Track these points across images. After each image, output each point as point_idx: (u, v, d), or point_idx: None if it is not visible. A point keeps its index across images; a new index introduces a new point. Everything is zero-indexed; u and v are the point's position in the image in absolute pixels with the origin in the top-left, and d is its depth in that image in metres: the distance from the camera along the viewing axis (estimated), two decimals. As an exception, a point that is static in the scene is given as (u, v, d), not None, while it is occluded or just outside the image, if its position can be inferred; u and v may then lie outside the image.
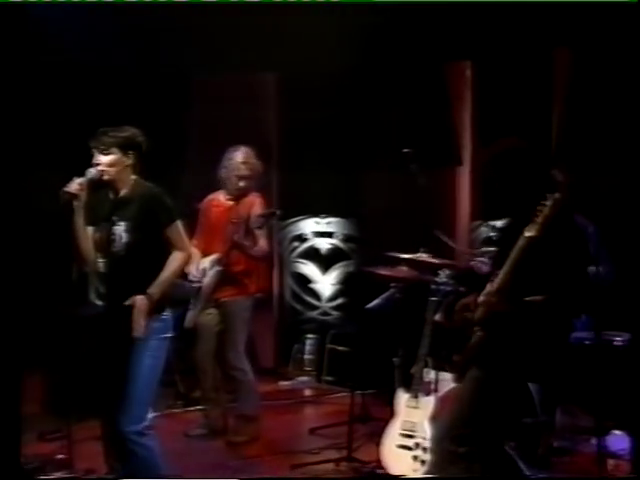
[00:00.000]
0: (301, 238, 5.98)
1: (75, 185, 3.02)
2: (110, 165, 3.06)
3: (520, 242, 2.72)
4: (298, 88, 5.67)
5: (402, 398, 3.63)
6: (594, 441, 3.51)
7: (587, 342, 3.92)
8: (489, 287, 2.79)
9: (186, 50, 5.71)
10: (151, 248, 3.08)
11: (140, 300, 3.02)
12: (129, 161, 3.09)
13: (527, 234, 2.70)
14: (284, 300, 5.97)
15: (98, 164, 3.07)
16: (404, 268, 3.91)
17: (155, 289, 3.04)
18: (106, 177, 3.08)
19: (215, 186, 4.43)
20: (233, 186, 4.25)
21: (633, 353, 3.70)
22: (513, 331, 2.75)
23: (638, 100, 3.24)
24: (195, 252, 4.24)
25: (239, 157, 4.22)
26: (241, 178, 4.22)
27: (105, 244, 3.12)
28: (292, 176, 5.72)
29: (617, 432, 3.96)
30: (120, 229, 3.09)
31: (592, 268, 3.47)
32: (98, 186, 3.09)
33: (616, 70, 4.27)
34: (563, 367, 3.48)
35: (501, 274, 2.75)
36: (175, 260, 3.08)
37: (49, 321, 4.92)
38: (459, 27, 4.91)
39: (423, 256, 3.78)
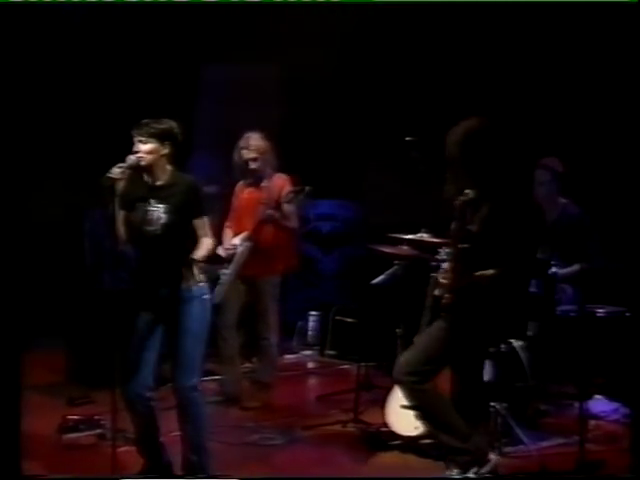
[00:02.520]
0: (304, 220, 6.32)
1: (117, 170, 3.32)
2: (148, 153, 3.37)
3: (458, 234, 3.06)
4: (301, 76, 5.92)
5: (405, 364, 3.99)
6: (578, 405, 3.82)
7: (572, 314, 4.30)
8: (446, 266, 3.14)
9: (191, 42, 6.00)
10: (184, 229, 3.40)
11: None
12: (165, 150, 3.40)
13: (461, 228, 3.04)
14: (288, 279, 6.30)
15: (137, 152, 3.38)
16: (405, 247, 4.25)
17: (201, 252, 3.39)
18: (143, 163, 3.38)
19: (219, 173, 4.76)
20: (247, 171, 4.57)
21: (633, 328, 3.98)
22: (476, 299, 3.08)
23: (638, 99, 3.32)
24: (228, 232, 4.60)
25: (243, 142, 4.55)
26: (248, 161, 4.53)
27: (140, 225, 3.43)
28: (295, 160, 6.02)
29: (598, 396, 4.35)
30: (159, 211, 3.40)
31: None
32: (135, 173, 3.40)
33: (616, 70, 4.41)
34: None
35: (450, 261, 3.10)
36: (207, 243, 3.43)
37: (74, 298, 5.26)
38: (458, 22, 5.18)
39: (424, 236, 4.11)
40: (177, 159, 3.47)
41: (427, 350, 3.29)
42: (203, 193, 3.46)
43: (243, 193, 4.66)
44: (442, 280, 3.20)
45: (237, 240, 4.54)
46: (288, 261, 4.70)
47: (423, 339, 3.39)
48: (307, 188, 4.40)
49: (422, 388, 3.28)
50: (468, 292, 3.11)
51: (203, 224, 3.43)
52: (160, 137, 3.38)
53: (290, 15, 5.07)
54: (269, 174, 4.57)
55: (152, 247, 3.44)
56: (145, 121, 3.40)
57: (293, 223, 4.58)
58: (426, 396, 3.29)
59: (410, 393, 3.34)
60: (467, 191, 3.10)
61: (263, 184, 4.57)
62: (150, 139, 3.36)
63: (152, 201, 3.41)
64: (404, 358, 3.39)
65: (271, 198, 4.46)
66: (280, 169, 4.67)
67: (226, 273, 4.48)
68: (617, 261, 4.38)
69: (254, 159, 4.53)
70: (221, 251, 4.49)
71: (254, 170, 4.55)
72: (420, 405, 3.33)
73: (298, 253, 4.96)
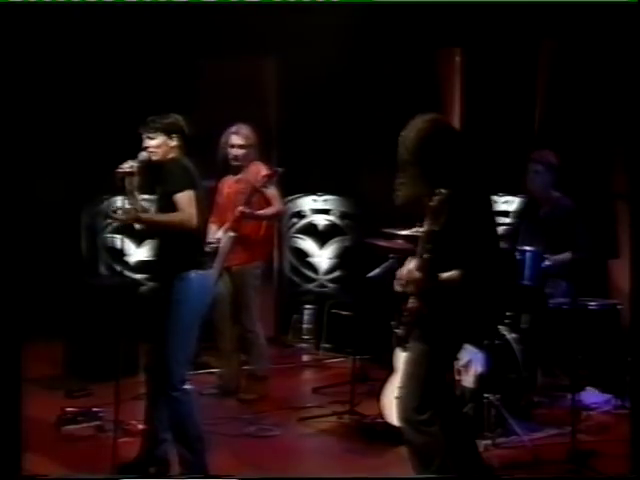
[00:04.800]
0: (299, 215, 6.32)
1: (127, 165, 3.40)
2: (156, 147, 3.44)
3: (423, 235, 2.95)
4: (297, 70, 5.95)
5: (400, 356, 4.02)
6: (570, 396, 3.87)
7: (565, 307, 4.36)
8: (411, 264, 3.02)
9: (187, 35, 6.02)
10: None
11: (126, 210, 3.35)
12: (173, 143, 3.45)
13: (427, 228, 2.91)
14: (283, 273, 6.35)
15: (147, 147, 3.45)
16: (400, 241, 4.30)
17: (145, 215, 3.36)
18: (154, 158, 3.45)
19: (214, 166, 4.79)
20: (231, 159, 4.61)
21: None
22: (444, 301, 2.94)
23: (638, 100, 3.32)
24: (212, 228, 4.64)
25: (232, 129, 4.62)
26: (234, 147, 4.58)
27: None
28: (291, 155, 6.06)
29: (590, 388, 4.42)
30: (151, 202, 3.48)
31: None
32: (150, 167, 3.45)
33: (616, 70, 4.42)
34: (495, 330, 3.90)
35: (417, 258, 2.98)
36: (176, 215, 3.33)
37: (72, 291, 5.29)
38: (454, 16, 5.20)
39: (419, 230, 4.15)
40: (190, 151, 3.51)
41: (419, 380, 3.05)
42: (179, 169, 3.37)
43: (224, 187, 4.70)
44: (407, 283, 3.04)
45: (220, 233, 4.58)
46: (268, 249, 4.73)
47: (408, 371, 3.12)
48: (279, 170, 4.46)
49: (429, 430, 3.02)
50: (435, 297, 2.98)
51: (180, 201, 3.30)
52: (167, 131, 3.44)
53: (285, 12, 5.10)
54: (247, 165, 4.62)
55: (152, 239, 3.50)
56: (150, 118, 3.47)
57: (276, 207, 4.62)
58: (430, 440, 3.02)
59: (415, 433, 3.05)
60: (442, 190, 2.92)
61: (240, 176, 4.62)
62: (157, 134, 3.44)
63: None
64: (401, 398, 3.13)
65: (249, 187, 4.50)
66: (265, 162, 4.70)
67: (212, 267, 4.51)
68: (607, 253, 4.45)
69: (241, 146, 4.59)
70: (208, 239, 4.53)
71: (236, 157, 4.59)
72: (420, 447, 3.05)
73: (272, 243, 4.98)
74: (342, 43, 5.63)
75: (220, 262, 4.53)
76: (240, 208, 4.47)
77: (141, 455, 3.55)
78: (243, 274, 4.63)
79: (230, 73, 6.19)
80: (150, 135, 3.44)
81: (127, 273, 5.92)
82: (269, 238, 4.75)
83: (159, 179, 3.46)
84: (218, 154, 4.65)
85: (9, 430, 3.28)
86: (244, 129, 4.62)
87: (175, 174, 3.37)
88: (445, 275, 2.95)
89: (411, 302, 3.02)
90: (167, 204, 3.37)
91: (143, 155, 3.44)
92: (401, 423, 3.12)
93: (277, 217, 4.72)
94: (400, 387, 3.16)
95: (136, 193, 3.43)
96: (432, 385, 3.04)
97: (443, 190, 2.91)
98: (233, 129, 4.62)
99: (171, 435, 3.45)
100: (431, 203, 2.93)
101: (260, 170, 4.57)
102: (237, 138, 4.59)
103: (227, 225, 4.56)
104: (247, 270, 4.64)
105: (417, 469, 3.08)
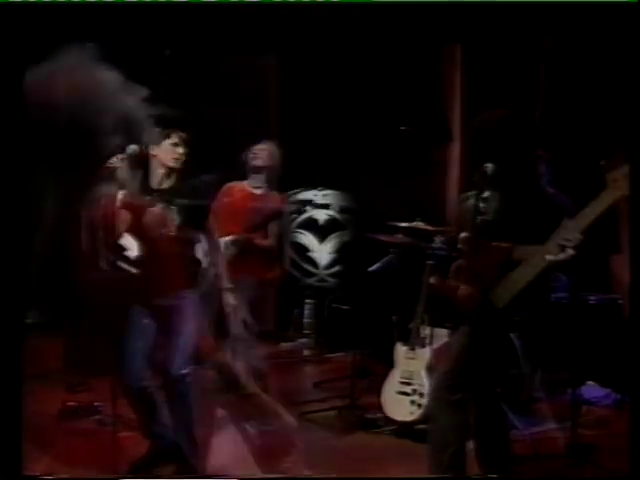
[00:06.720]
0: (300, 210, 6.37)
1: (115, 160, 3.39)
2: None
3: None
4: (298, 67, 5.99)
5: (400, 350, 4.05)
6: (570, 391, 3.90)
7: (564, 301, 4.37)
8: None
9: (187, 35, 6.03)
10: None
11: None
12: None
13: (547, 257, 2.97)
14: (284, 268, 6.35)
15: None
16: (401, 235, 4.30)
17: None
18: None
19: (214, 168, 4.75)
20: (256, 177, 4.47)
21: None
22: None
23: (638, 100, 3.31)
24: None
25: (256, 149, 4.43)
26: (255, 168, 4.42)
27: None
28: (292, 151, 6.06)
29: (590, 383, 4.43)
30: None
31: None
32: (140, 162, 3.45)
33: (616, 70, 4.44)
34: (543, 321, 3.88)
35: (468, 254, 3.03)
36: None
37: (72, 285, 5.29)
38: (455, 15, 5.20)
39: (419, 224, 4.17)
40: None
41: (457, 360, 3.11)
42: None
43: (238, 195, 4.53)
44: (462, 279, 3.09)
45: (221, 244, 4.46)
46: (269, 271, 4.60)
47: (452, 350, 3.20)
48: (283, 210, 4.42)
49: (457, 412, 3.05)
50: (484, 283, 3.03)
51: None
52: (182, 127, 3.45)
53: (285, 12, 5.09)
54: (268, 186, 4.50)
55: None
56: (159, 114, 3.42)
57: (265, 243, 4.48)
58: (454, 423, 3.06)
59: (442, 412, 3.08)
60: (487, 165, 3.03)
61: (258, 192, 4.50)
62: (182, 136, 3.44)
63: None
64: (438, 376, 3.21)
65: (261, 212, 4.40)
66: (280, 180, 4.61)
67: (213, 277, 4.45)
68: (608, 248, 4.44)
69: (259, 168, 4.43)
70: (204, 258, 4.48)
71: (261, 179, 4.47)
72: (442, 429, 3.08)
73: (281, 264, 4.89)
74: (341, 43, 5.64)
75: (222, 271, 4.47)
76: (231, 237, 4.34)
77: (149, 451, 3.56)
78: (237, 284, 4.55)
79: (230, 73, 6.19)
80: (182, 136, 3.44)
81: (127, 267, 5.92)
82: (273, 259, 4.63)
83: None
84: (245, 165, 4.48)
85: (10, 424, 3.29)
86: (263, 151, 4.46)
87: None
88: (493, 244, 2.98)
89: (463, 289, 3.07)
90: None
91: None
92: (432, 400, 3.19)
93: (266, 249, 4.55)
94: (441, 366, 3.22)
95: (130, 183, 3.41)
96: (470, 366, 3.07)
97: (488, 165, 3.02)
98: (254, 151, 4.46)
99: (171, 425, 3.45)
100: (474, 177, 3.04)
101: (277, 201, 4.47)
102: (258, 160, 4.44)
103: (230, 239, 4.38)
104: (242, 282, 4.54)
105: (431, 451, 3.11)
